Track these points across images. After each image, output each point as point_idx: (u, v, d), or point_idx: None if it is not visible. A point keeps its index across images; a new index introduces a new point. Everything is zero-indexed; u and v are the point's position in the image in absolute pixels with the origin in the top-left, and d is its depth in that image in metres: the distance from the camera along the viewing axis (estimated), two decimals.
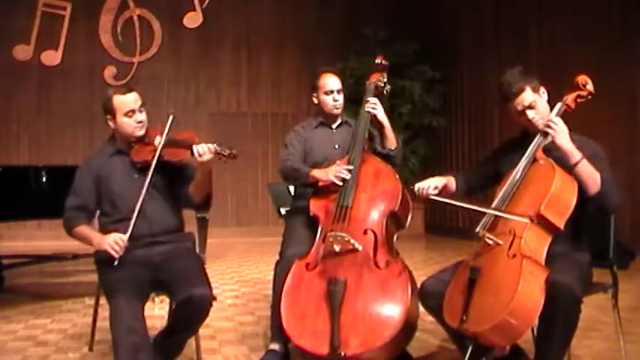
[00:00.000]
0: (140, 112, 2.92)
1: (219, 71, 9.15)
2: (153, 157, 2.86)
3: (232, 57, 9.21)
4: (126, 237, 2.72)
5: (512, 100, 2.69)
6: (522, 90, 2.67)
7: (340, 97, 3.36)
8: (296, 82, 9.13)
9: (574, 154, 2.52)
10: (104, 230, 2.90)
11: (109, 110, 2.91)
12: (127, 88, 2.95)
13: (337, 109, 3.37)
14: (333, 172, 3.05)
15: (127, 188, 2.89)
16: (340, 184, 3.02)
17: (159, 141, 2.89)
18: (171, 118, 2.91)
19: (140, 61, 8.92)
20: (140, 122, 2.92)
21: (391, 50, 7.49)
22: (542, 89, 2.73)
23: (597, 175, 2.52)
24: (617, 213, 2.76)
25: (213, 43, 9.12)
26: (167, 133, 2.90)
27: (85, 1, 8.79)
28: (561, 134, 2.54)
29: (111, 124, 2.94)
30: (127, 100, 2.89)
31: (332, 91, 3.34)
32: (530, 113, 2.69)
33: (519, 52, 7.23)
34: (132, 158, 2.94)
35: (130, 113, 2.89)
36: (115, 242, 2.68)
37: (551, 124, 2.55)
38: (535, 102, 2.69)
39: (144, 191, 2.80)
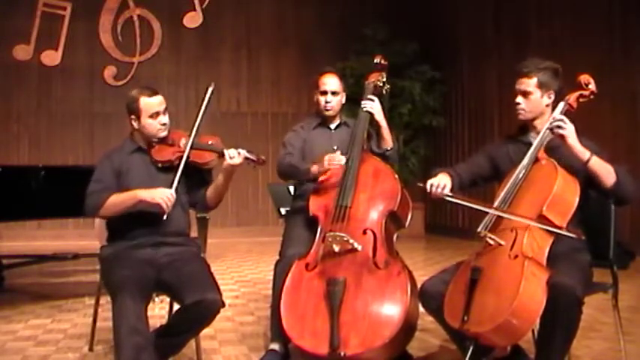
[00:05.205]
0: (164, 114, 2.95)
1: (219, 71, 9.13)
2: (177, 158, 2.89)
3: (232, 57, 9.21)
4: (173, 192, 2.74)
5: (516, 78, 2.72)
6: (527, 75, 2.68)
7: (334, 99, 3.34)
8: (296, 82, 9.13)
9: (583, 152, 2.52)
10: (113, 225, 2.93)
11: (134, 111, 2.93)
12: (152, 91, 2.97)
13: (328, 110, 3.35)
14: (328, 160, 3.04)
15: (147, 186, 2.88)
16: (337, 166, 3.02)
17: (184, 142, 2.92)
18: (211, 89, 2.95)
19: (140, 61, 8.92)
20: (164, 124, 2.95)
21: (391, 50, 7.49)
22: (551, 93, 2.70)
23: (610, 167, 2.54)
24: (619, 210, 2.75)
25: (213, 43, 9.11)
26: (206, 104, 2.97)
27: (85, 1, 8.79)
28: (572, 134, 2.53)
29: (134, 124, 2.95)
30: (153, 103, 2.92)
31: (325, 92, 3.33)
32: (518, 99, 2.70)
33: (519, 52, 7.20)
34: (153, 157, 2.95)
35: (154, 115, 2.92)
36: (167, 197, 2.70)
37: (561, 123, 2.53)
38: (531, 94, 2.68)
39: (174, 187, 2.80)
